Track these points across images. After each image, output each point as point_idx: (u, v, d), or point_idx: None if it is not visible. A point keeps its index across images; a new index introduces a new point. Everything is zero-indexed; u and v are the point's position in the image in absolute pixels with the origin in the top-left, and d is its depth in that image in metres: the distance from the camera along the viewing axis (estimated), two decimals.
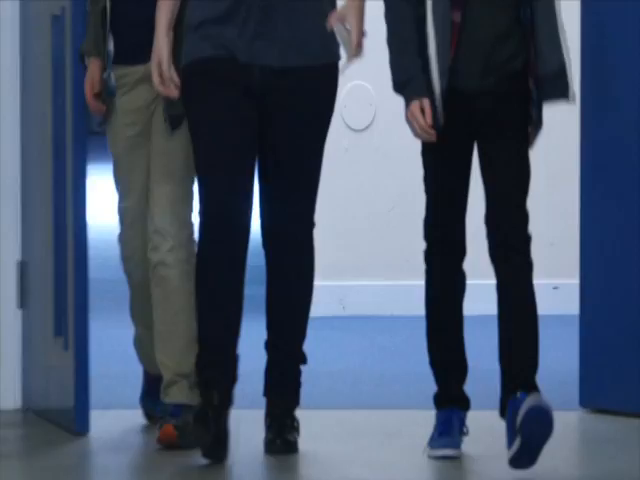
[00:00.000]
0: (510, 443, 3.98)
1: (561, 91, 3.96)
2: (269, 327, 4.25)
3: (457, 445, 4.20)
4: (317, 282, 6.13)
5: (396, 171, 7.11)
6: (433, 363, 4.29)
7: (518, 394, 4.00)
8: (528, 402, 3.95)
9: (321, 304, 6.72)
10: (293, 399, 4.31)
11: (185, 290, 4.28)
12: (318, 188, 4.27)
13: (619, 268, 5.14)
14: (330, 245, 6.96)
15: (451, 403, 4.27)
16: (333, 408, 5.41)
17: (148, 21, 4.19)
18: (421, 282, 6.06)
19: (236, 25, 4.00)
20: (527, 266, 4.08)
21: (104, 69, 4.40)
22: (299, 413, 4.46)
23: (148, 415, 4.66)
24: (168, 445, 4.24)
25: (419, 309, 6.83)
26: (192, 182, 4.33)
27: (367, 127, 7.29)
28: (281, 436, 4.22)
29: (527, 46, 3.97)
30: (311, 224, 4.24)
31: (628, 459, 4.49)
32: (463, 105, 3.96)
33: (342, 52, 4.05)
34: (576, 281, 5.44)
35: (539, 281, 4.88)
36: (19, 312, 5.16)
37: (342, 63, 4.09)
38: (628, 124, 5.09)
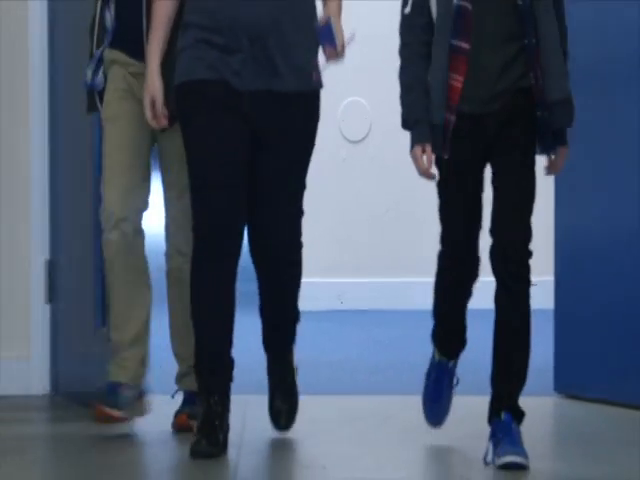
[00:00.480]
0: (491, 456, 4.00)
1: (568, 118, 3.92)
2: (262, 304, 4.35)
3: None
4: (317, 279, 6.43)
5: (390, 179, 7.23)
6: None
7: (503, 415, 3.99)
8: (508, 456, 3.90)
9: (321, 299, 6.96)
10: (289, 351, 4.51)
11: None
12: (302, 201, 4.27)
13: (591, 265, 5.29)
14: (329, 246, 7.18)
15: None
16: (332, 394, 5.56)
17: (139, 26, 4.26)
18: (413, 279, 6.34)
19: (229, 50, 3.99)
20: (526, 282, 3.99)
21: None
22: (302, 400, 4.64)
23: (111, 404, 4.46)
24: (182, 430, 4.36)
25: (411, 304, 7.19)
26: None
27: (363, 139, 7.49)
28: (281, 391, 4.45)
29: (533, 68, 3.86)
30: (297, 232, 4.28)
31: (599, 442, 4.69)
32: (472, 127, 3.89)
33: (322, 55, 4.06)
34: (551, 278, 5.48)
35: None
36: (47, 307, 5.34)
37: (322, 63, 4.10)
38: (597, 124, 5.24)
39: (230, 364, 4.20)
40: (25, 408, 5.24)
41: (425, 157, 3.85)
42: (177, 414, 4.43)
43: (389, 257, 7.68)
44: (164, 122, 4.05)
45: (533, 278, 3.89)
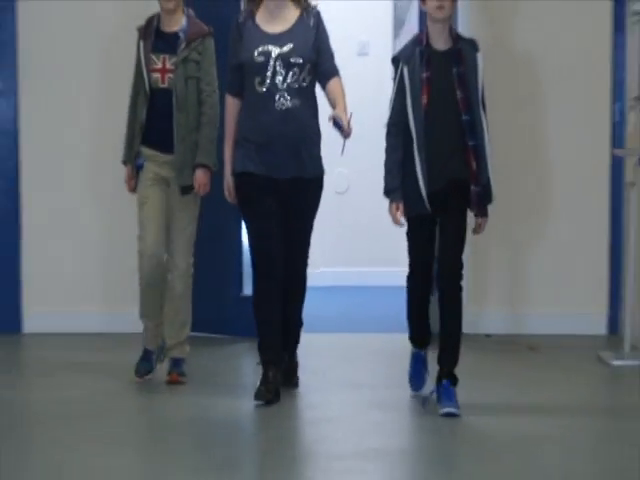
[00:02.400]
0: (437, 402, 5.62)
1: (488, 197, 5.59)
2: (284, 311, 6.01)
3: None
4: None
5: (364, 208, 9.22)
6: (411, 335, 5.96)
7: (444, 381, 5.58)
8: (446, 408, 5.51)
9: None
10: (294, 347, 6.18)
11: (184, 294, 6.20)
12: (310, 244, 6.04)
13: None
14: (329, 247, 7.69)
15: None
16: (330, 332, 7.78)
17: (170, 127, 5.94)
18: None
19: (269, 152, 5.69)
20: (458, 288, 5.60)
21: (134, 169, 6.12)
22: (309, 337, 6.44)
23: (140, 373, 6.23)
24: (174, 383, 6.12)
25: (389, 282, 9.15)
26: (194, 233, 6.13)
27: (345, 192, 9.85)
28: (287, 376, 6.04)
29: (469, 164, 5.49)
30: (305, 276, 6.09)
31: None
32: (435, 198, 5.50)
33: (340, 138, 5.59)
34: None
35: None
36: None
37: (341, 145, 5.56)
38: None
39: (278, 348, 5.93)
40: None
41: (398, 212, 5.57)
42: (169, 373, 6.18)
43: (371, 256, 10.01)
44: (233, 198, 5.87)
45: None
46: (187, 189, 5.95)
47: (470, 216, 5.62)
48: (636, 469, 4.81)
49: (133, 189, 6.12)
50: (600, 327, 7.72)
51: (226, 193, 5.81)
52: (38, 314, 7.71)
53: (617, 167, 7.60)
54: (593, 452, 5.25)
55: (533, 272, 7.72)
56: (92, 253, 7.70)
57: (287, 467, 4.90)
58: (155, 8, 6.13)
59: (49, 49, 7.69)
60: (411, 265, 5.74)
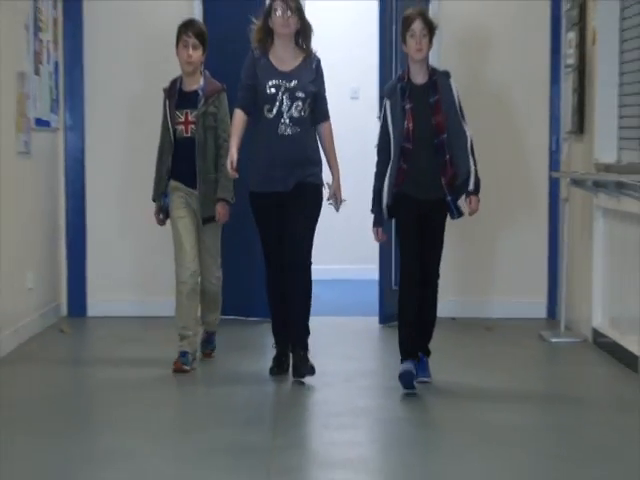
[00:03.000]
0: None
1: (470, 186, 5.47)
2: (290, 313, 5.79)
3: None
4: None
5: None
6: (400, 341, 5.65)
7: (420, 354, 5.59)
8: (421, 377, 5.56)
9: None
10: (305, 351, 5.73)
11: (216, 299, 6.17)
12: (313, 243, 5.75)
13: None
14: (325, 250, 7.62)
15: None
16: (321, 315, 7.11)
17: (193, 170, 5.84)
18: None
19: (272, 169, 5.59)
20: (436, 286, 5.60)
21: (162, 206, 6.02)
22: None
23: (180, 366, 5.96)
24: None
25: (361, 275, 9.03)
26: (219, 249, 6.08)
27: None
28: (298, 369, 5.71)
29: (447, 181, 5.41)
30: (309, 262, 5.71)
31: None
32: (413, 206, 5.44)
33: (333, 205, 5.75)
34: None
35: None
36: None
37: (335, 209, 5.77)
38: None
39: (285, 331, 5.82)
40: None
41: (379, 233, 5.63)
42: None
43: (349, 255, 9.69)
44: (235, 174, 5.59)
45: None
46: (207, 220, 5.89)
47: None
48: (564, 415, 5.17)
49: (160, 222, 6.05)
50: (541, 312, 7.80)
51: (228, 163, 5.51)
52: (98, 302, 7.78)
53: (554, 186, 7.63)
54: (532, 403, 5.44)
55: (490, 268, 7.74)
56: (138, 256, 7.71)
57: (296, 424, 5.07)
58: (175, 71, 6.11)
59: (107, 96, 7.66)
60: (401, 267, 5.58)
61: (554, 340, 6.97)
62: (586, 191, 6.79)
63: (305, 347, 5.68)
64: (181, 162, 5.86)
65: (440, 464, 4.43)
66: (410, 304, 5.49)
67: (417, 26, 5.34)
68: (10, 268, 6.59)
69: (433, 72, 5.46)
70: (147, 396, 5.51)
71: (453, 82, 5.45)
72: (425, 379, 5.57)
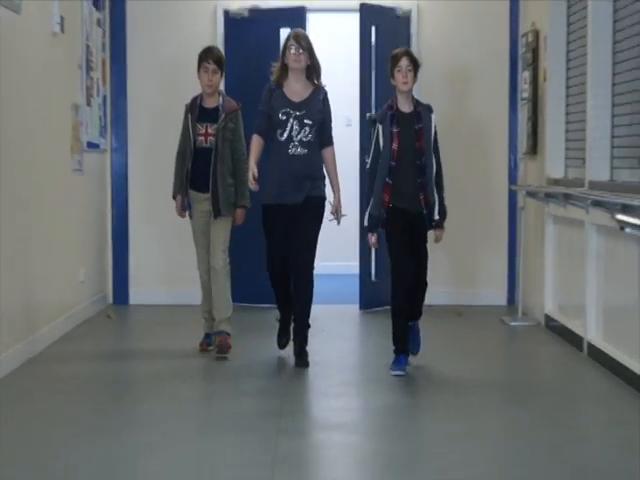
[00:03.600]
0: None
1: (441, 216, 5.34)
2: (294, 313, 5.66)
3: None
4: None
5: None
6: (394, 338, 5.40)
7: (411, 323, 5.43)
8: (413, 347, 5.45)
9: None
10: (304, 341, 5.62)
11: (225, 284, 5.76)
12: (316, 251, 5.61)
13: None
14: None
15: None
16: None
17: (208, 174, 5.64)
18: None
19: (283, 184, 5.47)
20: (425, 290, 5.44)
21: (184, 198, 5.84)
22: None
23: (204, 345, 5.90)
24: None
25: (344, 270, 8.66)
26: (227, 240, 5.77)
27: None
28: (300, 358, 5.57)
29: (425, 197, 5.27)
30: (312, 267, 5.60)
31: None
32: (402, 216, 5.27)
33: (334, 218, 5.57)
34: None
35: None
36: None
37: (336, 222, 5.61)
38: None
39: (289, 316, 5.70)
40: None
41: (373, 239, 5.37)
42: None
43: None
44: (256, 186, 5.49)
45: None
46: (218, 213, 5.69)
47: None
48: (521, 383, 5.29)
49: (181, 215, 5.90)
50: (502, 301, 7.77)
51: (250, 176, 5.42)
52: (137, 292, 7.79)
53: (513, 197, 7.65)
54: (495, 374, 5.50)
55: (460, 264, 7.70)
56: (169, 254, 7.66)
57: (300, 393, 5.11)
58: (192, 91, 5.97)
59: (145, 123, 7.68)
60: (392, 270, 5.33)
61: (513, 324, 6.99)
62: (539, 201, 6.82)
63: (305, 339, 5.59)
64: (198, 168, 5.69)
65: (420, 425, 4.51)
66: (402, 301, 5.31)
67: (403, 62, 5.24)
68: (65, 265, 6.64)
69: (417, 104, 5.34)
70: (176, 367, 5.53)
71: (434, 116, 5.33)
72: (414, 350, 5.47)
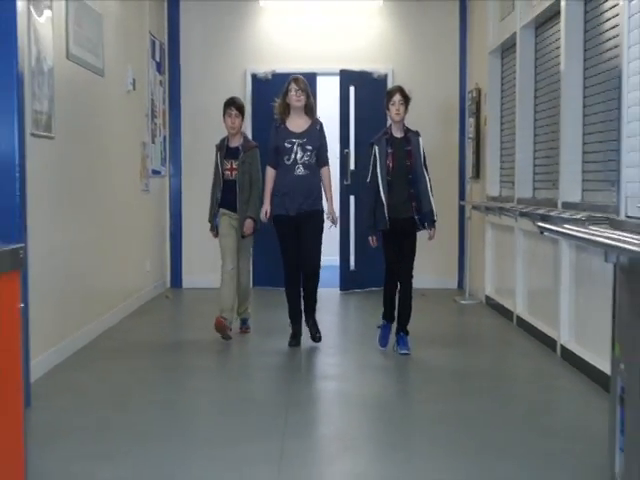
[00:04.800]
0: (395, 348, 4.84)
1: (430, 220, 4.84)
2: (304, 299, 5.13)
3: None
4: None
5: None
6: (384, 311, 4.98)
7: (401, 333, 4.86)
8: (402, 350, 4.80)
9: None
10: (314, 318, 5.15)
11: (247, 285, 5.43)
12: (321, 254, 5.09)
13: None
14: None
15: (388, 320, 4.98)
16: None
17: (234, 199, 5.24)
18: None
19: (289, 199, 4.99)
20: (411, 283, 4.88)
21: (214, 225, 5.36)
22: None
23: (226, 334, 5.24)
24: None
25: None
26: (250, 250, 5.43)
27: None
28: (312, 334, 5.10)
29: (416, 205, 4.80)
30: (319, 266, 5.09)
31: None
32: (396, 224, 4.79)
33: (331, 223, 5.11)
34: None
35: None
36: None
37: (332, 226, 5.18)
38: None
39: (300, 314, 5.12)
40: None
41: (374, 240, 4.84)
42: (240, 328, 5.44)
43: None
44: (268, 219, 5.07)
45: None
46: (245, 235, 5.30)
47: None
48: (467, 344, 5.19)
49: (214, 236, 5.39)
50: (454, 285, 7.70)
51: (263, 215, 5.05)
52: (188, 278, 7.67)
53: (462, 210, 7.53)
54: (449, 337, 5.38)
55: (426, 257, 7.22)
56: (213, 251, 6.70)
57: (305, 351, 4.91)
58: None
59: (194, 156, 7.55)
60: (386, 264, 4.87)
61: (462, 302, 6.91)
62: (481, 213, 6.76)
63: (314, 316, 5.13)
64: (227, 195, 5.28)
65: (392, 374, 4.49)
66: (392, 285, 4.89)
67: (397, 97, 4.79)
68: (136, 258, 6.64)
69: (407, 130, 4.87)
70: (216, 333, 5.19)
71: (421, 140, 4.84)
72: (405, 351, 4.80)
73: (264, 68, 7.54)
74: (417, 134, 4.88)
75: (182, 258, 7.79)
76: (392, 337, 4.94)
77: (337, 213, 5.34)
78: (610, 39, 4.25)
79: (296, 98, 5.02)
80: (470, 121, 7.34)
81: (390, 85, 7.54)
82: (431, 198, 4.79)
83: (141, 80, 6.73)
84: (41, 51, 4.30)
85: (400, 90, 4.88)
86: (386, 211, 4.73)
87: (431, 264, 7.62)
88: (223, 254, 5.30)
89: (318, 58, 7.55)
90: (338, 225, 5.47)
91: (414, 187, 4.79)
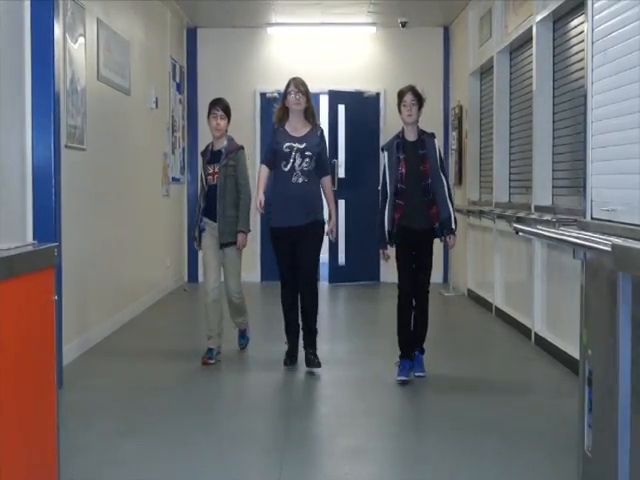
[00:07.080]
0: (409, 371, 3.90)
1: (449, 227, 3.88)
2: (302, 320, 4.23)
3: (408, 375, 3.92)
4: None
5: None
6: (399, 342, 3.97)
7: (416, 352, 3.97)
8: (418, 372, 3.93)
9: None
10: (314, 348, 4.21)
11: (240, 305, 4.42)
12: (319, 266, 4.41)
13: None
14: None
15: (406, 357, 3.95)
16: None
17: (215, 208, 4.26)
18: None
19: (287, 209, 4.13)
20: (427, 299, 3.95)
21: (198, 233, 4.33)
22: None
23: (207, 358, 4.25)
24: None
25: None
26: (239, 266, 4.36)
27: None
28: (309, 363, 4.15)
29: (434, 213, 3.86)
30: (317, 279, 4.34)
31: None
32: (410, 235, 3.88)
33: (330, 235, 4.29)
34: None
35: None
36: None
37: (331, 238, 4.33)
38: None
39: (297, 330, 4.26)
40: None
41: (384, 253, 3.93)
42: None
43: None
44: (262, 210, 4.17)
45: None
46: (224, 245, 4.28)
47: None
48: (452, 328, 5.18)
49: (198, 247, 4.40)
50: (440, 279, 7.42)
51: (257, 206, 4.13)
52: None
53: None
54: (436, 324, 4.64)
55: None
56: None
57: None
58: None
59: None
60: (399, 282, 3.87)
61: (447, 294, 6.83)
62: (463, 215, 6.59)
63: (314, 346, 4.20)
64: (210, 202, 4.31)
65: (378, 357, 4.38)
66: (406, 315, 3.92)
67: (408, 97, 3.93)
68: (157, 256, 6.59)
69: (422, 132, 3.96)
70: (229, 323, 4.59)
71: (436, 142, 3.96)
72: (421, 374, 3.95)
73: (271, 88, 7.50)
74: (432, 136, 3.99)
75: (198, 255, 7.41)
76: (392, 338, 4.07)
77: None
78: (576, 62, 4.26)
79: (295, 101, 4.21)
80: (453, 134, 7.32)
81: (382, 104, 7.63)
82: (449, 204, 3.87)
83: (163, 98, 6.72)
84: (75, 73, 4.36)
85: (412, 90, 4.01)
86: (387, 224, 3.87)
87: None
88: (204, 270, 4.36)
89: (319, 79, 7.35)
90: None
91: (431, 194, 3.87)
